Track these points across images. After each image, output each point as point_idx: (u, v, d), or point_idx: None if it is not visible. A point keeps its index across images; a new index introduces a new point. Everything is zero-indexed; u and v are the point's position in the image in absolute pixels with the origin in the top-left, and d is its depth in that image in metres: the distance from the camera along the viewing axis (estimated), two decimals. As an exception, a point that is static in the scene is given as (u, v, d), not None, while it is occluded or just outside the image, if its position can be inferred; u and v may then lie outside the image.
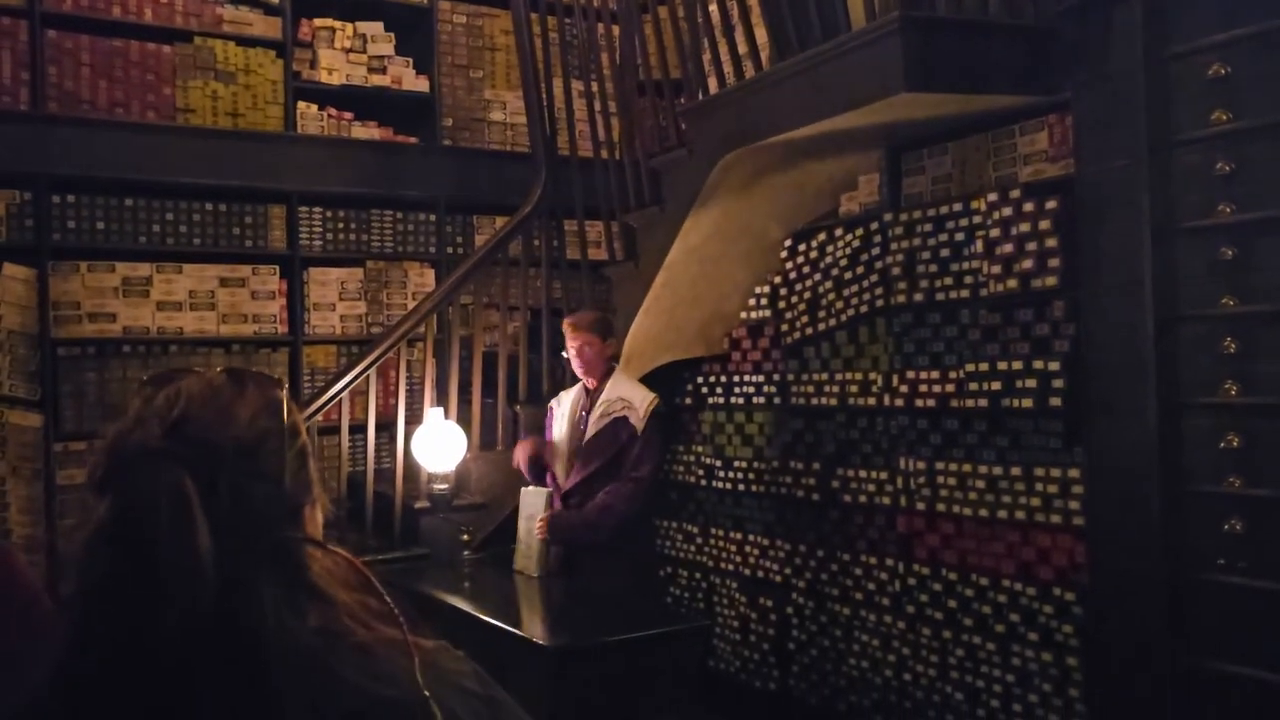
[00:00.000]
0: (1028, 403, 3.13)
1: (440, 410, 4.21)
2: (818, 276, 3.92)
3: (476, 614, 3.29)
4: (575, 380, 4.02)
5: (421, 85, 5.54)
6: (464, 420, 4.37)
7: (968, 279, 3.34)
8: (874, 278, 3.66)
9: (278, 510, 0.84)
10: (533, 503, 3.86)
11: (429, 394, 4.45)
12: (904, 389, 3.53)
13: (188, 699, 0.76)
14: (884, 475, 3.64)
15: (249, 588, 0.78)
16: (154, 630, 0.76)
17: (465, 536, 3.96)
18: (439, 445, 4.07)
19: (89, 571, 0.77)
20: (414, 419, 4.34)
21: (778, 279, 4.11)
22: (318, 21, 5.32)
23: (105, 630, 0.78)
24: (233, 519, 0.79)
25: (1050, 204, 3.08)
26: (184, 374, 0.88)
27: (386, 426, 4.70)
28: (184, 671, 0.76)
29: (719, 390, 4.40)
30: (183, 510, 0.77)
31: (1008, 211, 3.19)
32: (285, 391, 0.91)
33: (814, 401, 3.94)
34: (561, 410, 3.98)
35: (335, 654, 0.80)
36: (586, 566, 3.78)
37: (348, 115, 5.35)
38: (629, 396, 3.80)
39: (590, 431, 3.81)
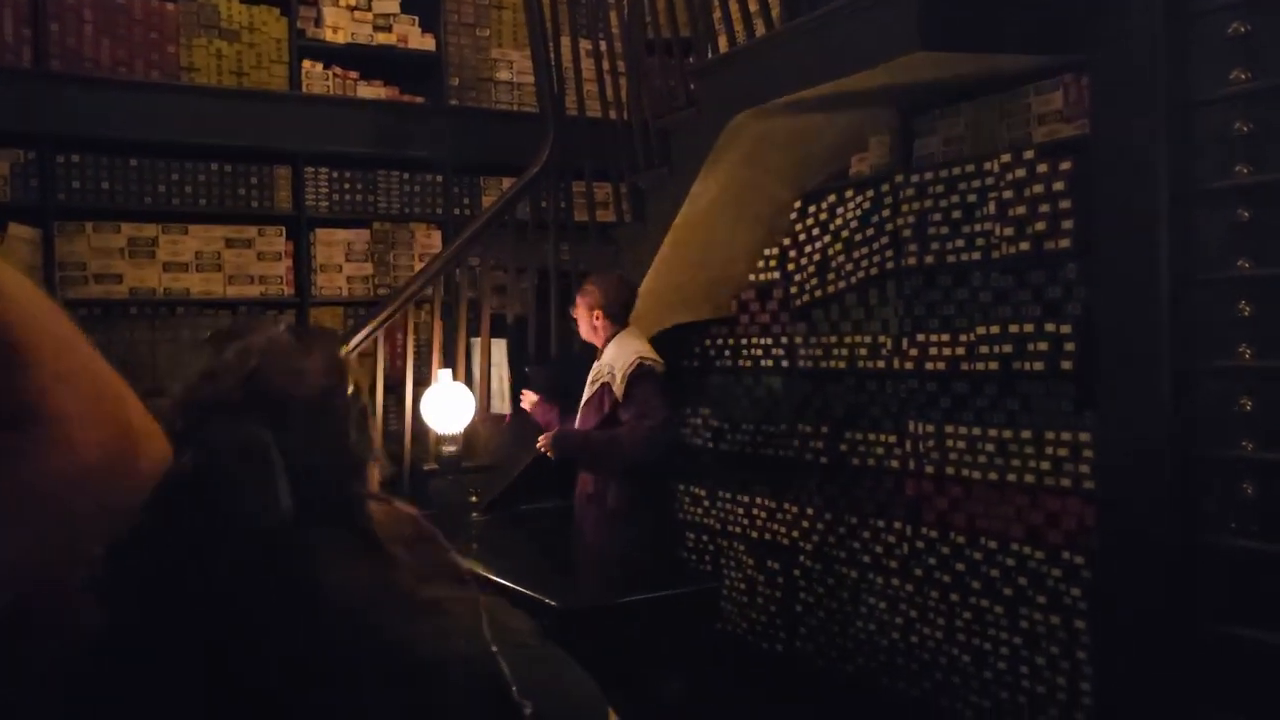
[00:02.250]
0: (1039, 366, 3.11)
1: (449, 372, 4.20)
2: (827, 239, 3.89)
3: (484, 574, 3.30)
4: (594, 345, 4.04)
5: (428, 44, 5.48)
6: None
7: (979, 241, 3.31)
8: (884, 240, 3.63)
9: (343, 466, 0.85)
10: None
11: (436, 356, 4.44)
12: (914, 352, 3.51)
13: (259, 656, 0.76)
14: (893, 439, 3.63)
15: (313, 542, 0.79)
16: (228, 583, 0.75)
17: (473, 498, 3.97)
18: (448, 407, 4.07)
19: (162, 523, 0.76)
20: (422, 381, 4.33)
21: (786, 241, 4.08)
22: (322, -22, 5.27)
23: (176, 583, 0.77)
24: (300, 473, 0.79)
25: (1064, 165, 3.04)
26: (249, 330, 0.88)
27: (394, 389, 4.69)
28: (253, 628, 0.76)
29: (726, 353, 4.38)
30: (265, 462, 0.77)
31: (1021, 173, 3.15)
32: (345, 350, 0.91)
33: (822, 364, 3.92)
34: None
35: (400, 610, 0.80)
36: (599, 533, 3.77)
37: (353, 74, 5.31)
38: (613, 361, 3.81)
39: (584, 396, 3.88)
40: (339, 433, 0.85)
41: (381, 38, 5.38)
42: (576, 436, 3.82)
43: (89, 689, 0.77)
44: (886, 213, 3.63)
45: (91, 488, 0.73)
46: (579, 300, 3.91)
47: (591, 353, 3.96)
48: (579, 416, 3.90)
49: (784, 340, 4.09)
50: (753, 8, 3.66)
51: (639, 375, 3.74)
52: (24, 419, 0.70)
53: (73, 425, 0.72)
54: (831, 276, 3.86)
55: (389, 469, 0.96)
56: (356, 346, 4.28)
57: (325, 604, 0.77)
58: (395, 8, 5.44)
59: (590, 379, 3.87)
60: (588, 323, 3.90)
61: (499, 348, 4.65)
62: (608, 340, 3.87)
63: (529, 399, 4.07)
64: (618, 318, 3.86)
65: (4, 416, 0.70)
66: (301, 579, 0.77)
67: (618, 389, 3.73)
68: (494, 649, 0.80)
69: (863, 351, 3.73)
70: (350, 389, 0.88)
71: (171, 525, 0.75)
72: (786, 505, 4.11)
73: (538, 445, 3.76)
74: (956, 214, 3.38)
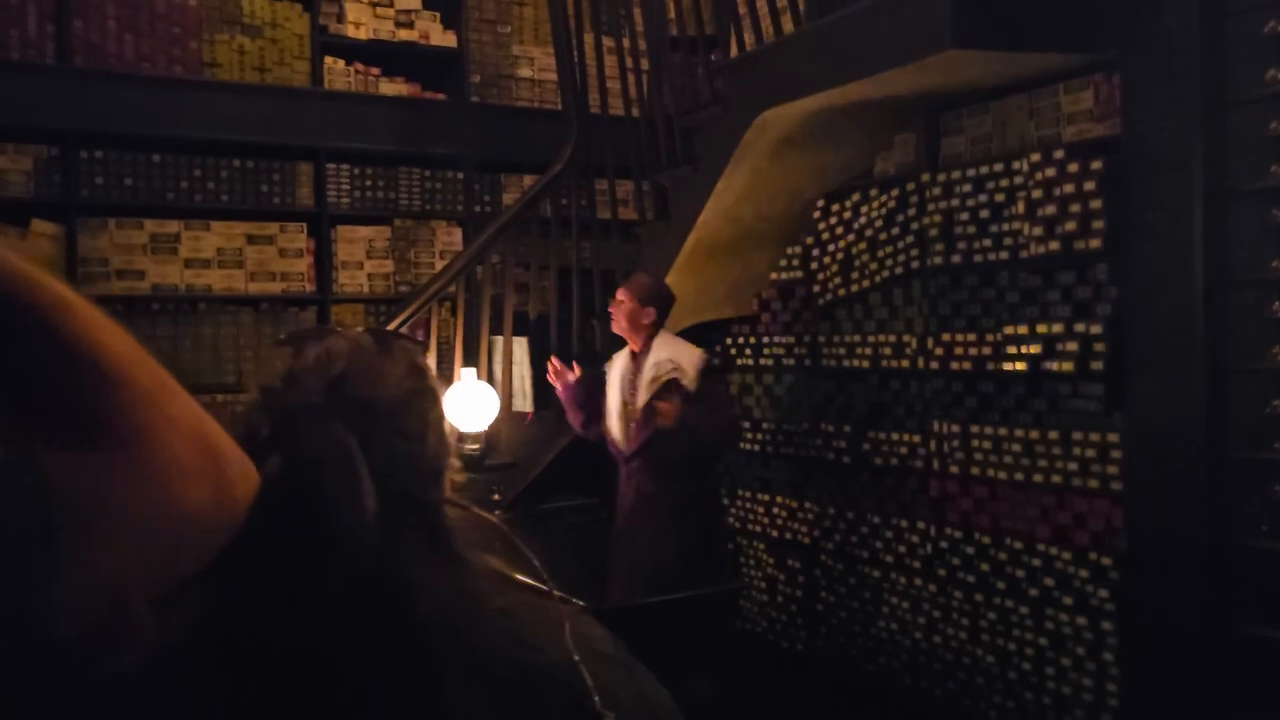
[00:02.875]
0: (1068, 366, 3.09)
1: (473, 370, 4.20)
2: (851, 237, 3.88)
3: (506, 572, 3.30)
4: (619, 343, 3.98)
5: (449, 40, 5.48)
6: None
7: (1007, 240, 3.30)
8: (909, 239, 3.61)
9: (423, 471, 0.83)
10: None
11: (459, 354, 4.44)
12: (939, 351, 3.50)
13: (346, 663, 0.75)
14: (916, 438, 3.62)
15: (397, 550, 0.77)
16: (319, 590, 0.75)
17: (496, 496, 3.96)
18: (470, 405, 4.07)
19: (254, 530, 0.75)
20: (444, 379, 4.33)
21: (810, 239, 4.07)
22: (344, -25, 5.27)
23: (266, 590, 0.76)
24: (382, 479, 0.78)
25: (1095, 164, 3.02)
26: (328, 332, 0.88)
27: (415, 385, 4.69)
28: (342, 634, 0.75)
29: (748, 351, 4.38)
30: (351, 467, 0.76)
31: (1051, 172, 3.13)
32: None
33: (845, 363, 3.91)
34: (611, 376, 3.86)
35: (482, 619, 0.79)
36: (656, 533, 3.60)
37: (375, 71, 5.31)
38: (676, 357, 3.68)
39: (643, 396, 3.70)
40: (419, 437, 0.84)
41: (403, 34, 5.39)
42: (693, 407, 3.59)
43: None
44: (912, 212, 3.61)
45: (194, 538, 0.71)
46: (629, 293, 3.74)
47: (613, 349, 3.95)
48: (642, 419, 3.69)
49: (806, 339, 4.08)
50: (780, 3, 3.64)
51: (709, 370, 3.72)
52: (124, 439, 0.66)
53: (173, 470, 0.68)
54: (855, 275, 3.85)
55: (463, 473, 0.95)
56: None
57: (412, 609, 0.77)
58: (417, 4, 5.44)
59: (648, 377, 3.68)
60: (635, 318, 3.72)
61: (520, 346, 4.65)
62: (650, 337, 3.75)
63: (566, 374, 3.87)
64: (665, 316, 3.78)
65: (104, 435, 0.68)
66: (390, 584, 0.77)
67: (690, 383, 3.62)
68: (576, 658, 0.79)
69: (886, 351, 3.72)
70: (430, 394, 0.87)
71: (265, 533, 0.75)
72: (807, 504, 4.10)
73: (661, 407, 3.55)
74: (984, 213, 3.36)
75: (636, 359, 3.78)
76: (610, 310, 3.82)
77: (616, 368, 3.86)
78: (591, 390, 3.88)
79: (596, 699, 0.78)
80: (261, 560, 0.74)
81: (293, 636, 0.75)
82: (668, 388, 3.62)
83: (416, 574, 0.78)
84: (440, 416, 0.89)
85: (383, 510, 0.77)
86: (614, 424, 3.80)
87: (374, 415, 0.81)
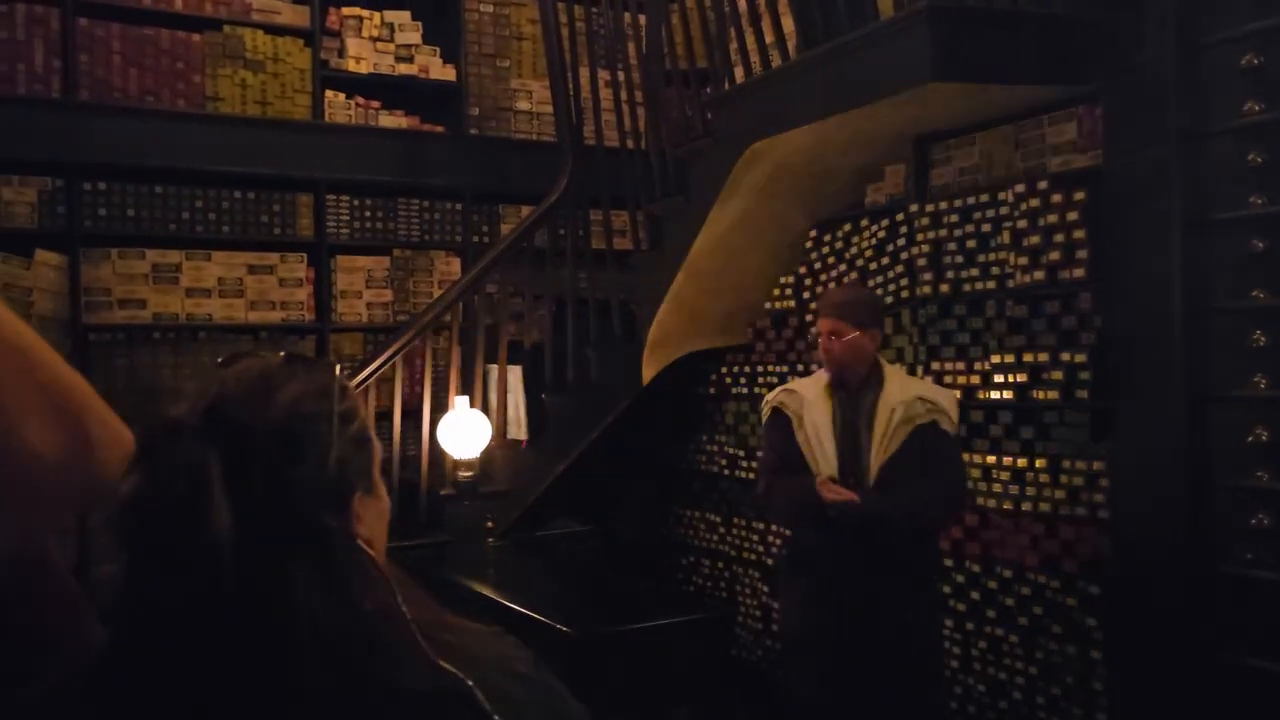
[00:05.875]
0: (1054, 395, 3.11)
1: (466, 399, 4.24)
2: (843, 267, 3.91)
3: (500, 600, 3.32)
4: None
5: (448, 74, 5.56)
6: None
7: (994, 270, 3.33)
8: (899, 269, 3.65)
9: (319, 497, 0.82)
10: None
11: (454, 382, 4.47)
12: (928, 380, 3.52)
13: (213, 682, 0.77)
14: (908, 466, 3.62)
15: (281, 575, 0.78)
16: (180, 605, 0.77)
17: (489, 523, 3.98)
18: (464, 433, 4.10)
19: (123, 547, 0.79)
20: (439, 407, 4.36)
21: (802, 269, 4.10)
22: (345, 10, 5.35)
23: (132, 607, 0.80)
24: (266, 503, 0.79)
25: (1078, 195, 3.06)
26: (248, 356, 0.89)
27: (412, 414, 4.73)
28: (209, 653, 0.77)
29: (742, 380, 4.40)
30: (201, 490, 0.77)
31: (1035, 203, 3.17)
32: (340, 376, 0.90)
33: (838, 392, 3.92)
34: (812, 416, 3.02)
35: (369, 646, 0.79)
36: (890, 601, 2.92)
37: (375, 104, 5.38)
38: (933, 397, 2.96)
39: (891, 443, 2.91)
40: (315, 461, 0.82)
41: (403, 68, 5.46)
42: (881, 503, 2.87)
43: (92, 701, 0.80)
44: (901, 241, 3.65)
45: (52, 480, 1.00)
46: (843, 320, 2.98)
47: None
48: (886, 471, 2.91)
49: (800, 368, 4.10)
50: (769, 39, 3.70)
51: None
52: None
53: (31, 430, 0.97)
54: (847, 305, 3.87)
55: (390, 507, 0.96)
56: (375, 372, 4.32)
57: (291, 634, 0.77)
58: (417, 39, 5.52)
59: (898, 418, 2.91)
60: (860, 348, 2.98)
61: (515, 374, 4.68)
62: (873, 371, 3.02)
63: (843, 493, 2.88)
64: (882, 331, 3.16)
65: None
66: (266, 607, 0.78)
67: (951, 428, 2.95)
68: (470, 684, 0.79)
69: (878, 379, 3.73)
70: (340, 416, 0.86)
71: (130, 547, 0.78)
72: (802, 533, 4.10)
73: (831, 493, 2.86)
74: (971, 243, 3.39)
75: (854, 393, 3.01)
76: (823, 348, 3.02)
77: (812, 401, 3.05)
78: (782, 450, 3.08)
79: (495, 718, 0.79)
80: (130, 574, 0.78)
81: (161, 652, 0.78)
82: (923, 432, 2.90)
83: (300, 600, 0.78)
84: (356, 441, 0.88)
85: (264, 535, 0.78)
86: (824, 470, 2.95)
87: (254, 438, 0.81)
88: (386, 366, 4.36)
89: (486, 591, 3.44)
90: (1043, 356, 3.14)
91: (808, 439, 2.99)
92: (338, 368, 0.92)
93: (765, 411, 3.21)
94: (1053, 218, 3.11)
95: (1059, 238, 3.10)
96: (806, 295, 4.07)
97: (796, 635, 3.09)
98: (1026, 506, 3.21)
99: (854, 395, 2.99)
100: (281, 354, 0.90)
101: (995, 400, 3.29)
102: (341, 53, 5.34)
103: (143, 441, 0.82)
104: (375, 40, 5.41)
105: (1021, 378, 3.20)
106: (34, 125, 4.60)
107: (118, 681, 0.80)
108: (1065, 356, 3.08)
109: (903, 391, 2.95)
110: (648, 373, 4.28)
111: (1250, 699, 2.65)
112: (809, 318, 4.05)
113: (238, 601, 0.77)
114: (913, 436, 2.90)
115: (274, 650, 0.77)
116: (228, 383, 0.85)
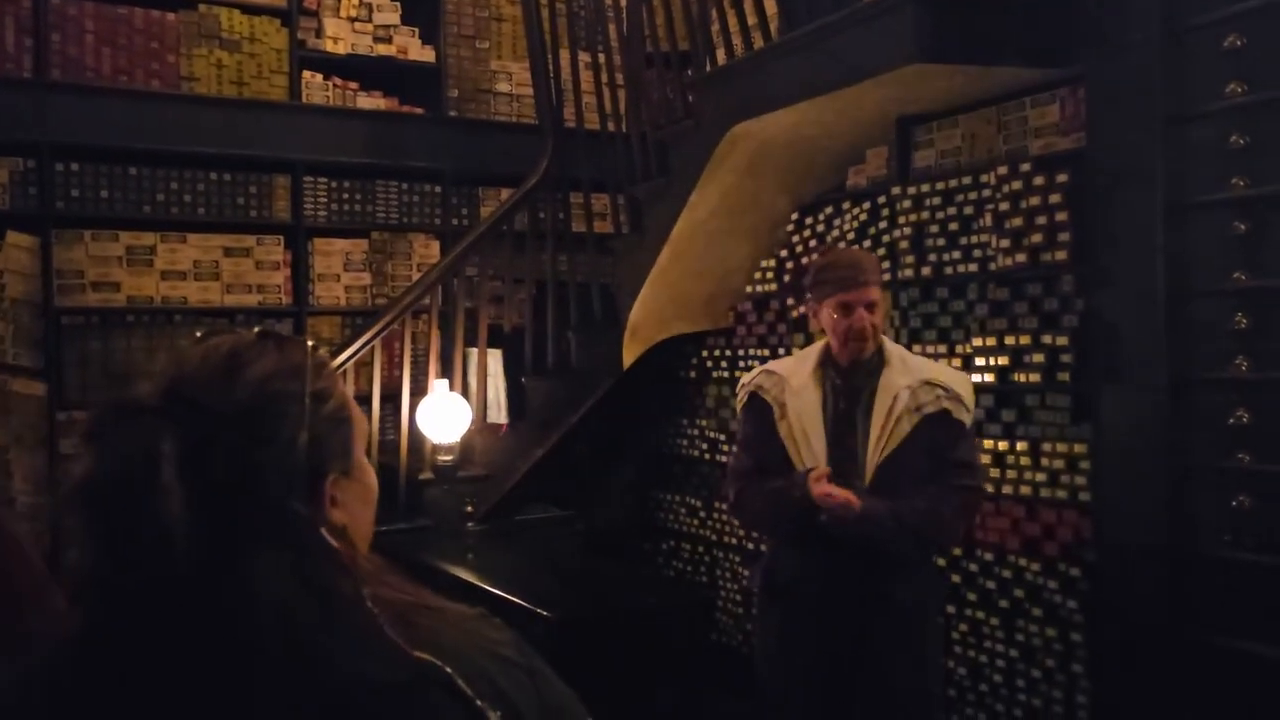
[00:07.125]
0: (1035, 377, 3.11)
1: (446, 382, 4.21)
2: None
3: (479, 584, 3.30)
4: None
5: (427, 55, 5.50)
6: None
7: (976, 253, 3.32)
8: (881, 251, 3.63)
9: (287, 479, 0.79)
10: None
11: (433, 366, 4.44)
12: (910, 364, 3.51)
13: (168, 666, 0.75)
14: (889, 450, 3.62)
15: (242, 558, 0.75)
16: (132, 586, 0.75)
17: (469, 508, 3.96)
18: (444, 417, 4.07)
19: (76, 530, 0.77)
20: (418, 391, 4.33)
21: (784, 252, 4.09)
22: (323, -10, 5.29)
23: (88, 592, 0.78)
24: (226, 487, 0.76)
25: (1061, 177, 3.05)
26: (221, 333, 0.85)
27: (391, 398, 4.69)
28: (165, 641, 0.75)
29: (723, 364, 4.39)
30: (152, 470, 0.74)
31: (1017, 185, 3.16)
32: (313, 355, 0.86)
33: (820, 376, 3.91)
34: (799, 399, 2.56)
35: (333, 635, 0.76)
36: (885, 638, 2.56)
37: (353, 85, 5.33)
38: (945, 381, 2.53)
39: (893, 436, 2.49)
40: (282, 443, 0.79)
41: (381, 49, 5.40)
42: (881, 512, 2.43)
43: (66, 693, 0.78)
44: (883, 224, 3.63)
45: None
46: (879, 282, 2.58)
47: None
48: (889, 467, 2.50)
49: (781, 351, 4.09)
50: (752, 20, 3.67)
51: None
52: None
53: None
54: (829, 288, 3.86)
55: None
56: (353, 356, 4.28)
57: (248, 620, 0.75)
58: (396, 19, 5.46)
59: (903, 404, 2.48)
60: (874, 319, 2.56)
61: (495, 358, 4.65)
62: (878, 346, 2.58)
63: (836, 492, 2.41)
64: None
65: None
66: (220, 590, 0.75)
67: (968, 420, 2.55)
68: (449, 670, 0.77)
69: (859, 363, 3.73)
70: (313, 396, 0.82)
71: (83, 526, 0.76)
72: (783, 517, 4.10)
73: (834, 500, 2.38)
74: (953, 226, 3.39)
75: (850, 374, 2.55)
76: (862, 327, 2.51)
77: (803, 381, 2.59)
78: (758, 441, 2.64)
79: (478, 701, 0.76)
80: (84, 558, 0.76)
81: (117, 637, 0.76)
82: (933, 424, 2.48)
83: (262, 587, 0.75)
84: (332, 421, 0.85)
85: (226, 517, 0.75)
86: (815, 460, 2.53)
87: (215, 418, 0.78)
88: (365, 350, 4.32)
89: (466, 576, 3.42)
90: (1024, 339, 3.14)
91: (791, 431, 2.53)
92: (312, 344, 0.89)
93: (740, 397, 2.72)
94: (1035, 200, 3.11)
95: (1041, 220, 3.09)
96: (788, 278, 4.06)
97: (779, 687, 2.63)
98: (1007, 489, 3.21)
99: (849, 378, 2.52)
100: (255, 330, 0.87)
101: (977, 383, 3.28)
102: (319, 33, 5.28)
103: (94, 421, 0.79)
104: (353, 20, 5.35)
105: (1003, 361, 3.20)
106: (5, 105, 4.53)
107: (76, 666, 0.78)
108: (1047, 339, 3.08)
109: (907, 374, 2.50)
110: (628, 357, 4.26)
111: (1231, 681, 2.66)
112: (790, 300, 4.03)
113: (193, 588, 0.74)
114: (919, 429, 2.45)
115: (231, 639, 0.75)
116: (192, 360, 0.81)
